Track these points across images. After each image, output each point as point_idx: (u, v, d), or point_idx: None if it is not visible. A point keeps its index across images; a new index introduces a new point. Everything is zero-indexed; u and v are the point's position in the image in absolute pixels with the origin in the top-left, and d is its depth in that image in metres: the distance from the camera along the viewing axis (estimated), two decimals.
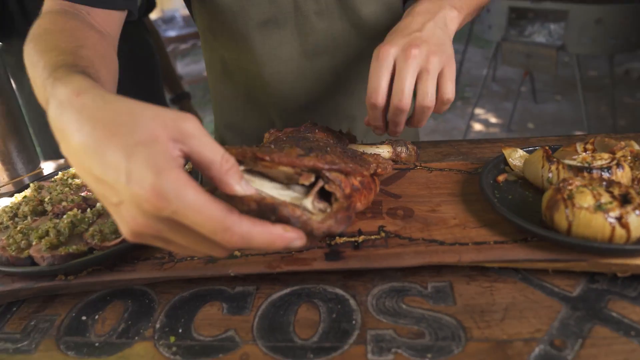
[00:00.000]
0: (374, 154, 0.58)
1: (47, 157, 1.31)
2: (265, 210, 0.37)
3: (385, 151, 0.68)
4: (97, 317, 0.52)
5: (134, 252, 0.56)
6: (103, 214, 0.59)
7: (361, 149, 0.64)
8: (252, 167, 0.45)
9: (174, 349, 0.47)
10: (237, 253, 0.53)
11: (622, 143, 0.56)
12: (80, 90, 0.37)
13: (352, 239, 0.53)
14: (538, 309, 0.46)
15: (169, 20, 6.42)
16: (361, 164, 0.52)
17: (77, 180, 0.67)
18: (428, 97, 0.55)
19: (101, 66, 0.54)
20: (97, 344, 0.48)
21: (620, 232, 0.44)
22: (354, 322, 0.47)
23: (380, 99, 0.56)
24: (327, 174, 0.46)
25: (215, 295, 0.53)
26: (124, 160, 0.32)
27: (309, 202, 0.44)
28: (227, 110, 0.94)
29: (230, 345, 0.46)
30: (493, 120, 3.83)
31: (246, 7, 0.74)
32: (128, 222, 0.35)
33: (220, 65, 0.89)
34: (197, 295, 0.53)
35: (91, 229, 0.55)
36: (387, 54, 0.56)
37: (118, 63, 0.61)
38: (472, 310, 0.47)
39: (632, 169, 0.54)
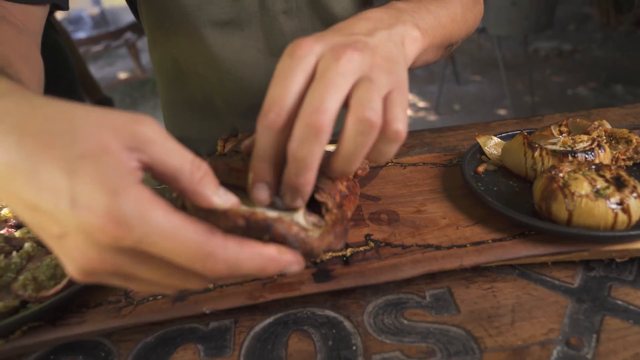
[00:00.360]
0: None
1: None
2: (256, 228, 0.31)
3: None
4: None
5: (80, 298, 0.46)
6: (34, 255, 0.48)
7: None
8: (226, 179, 0.38)
9: None
10: (209, 285, 0.46)
11: (596, 123, 0.55)
12: None
13: (340, 254, 0.47)
14: (544, 306, 0.44)
15: (76, 20, 5.92)
16: None
17: None
18: (370, 105, 0.32)
19: (23, 66, 0.44)
20: None
21: (622, 217, 0.42)
22: (354, 347, 0.42)
23: (283, 115, 0.32)
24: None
25: (186, 336, 0.45)
26: (66, 180, 0.25)
27: (300, 217, 0.38)
28: (181, 120, 0.83)
29: None
30: (421, 104, 3.93)
31: (203, 6, 0.65)
32: (76, 259, 0.27)
33: (173, 69, 0.77)
34: (165, 339, 0.45)
35: (21, 277, 0.44)
36: (307, 50, 0.34)
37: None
38: (478, 316, 0.43)
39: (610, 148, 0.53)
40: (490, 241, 0.46)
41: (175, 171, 0.29)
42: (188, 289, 0.32)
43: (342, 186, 0.44)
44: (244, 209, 0.32)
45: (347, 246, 0.48)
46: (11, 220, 0.55)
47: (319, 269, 0.46)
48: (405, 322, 0.44)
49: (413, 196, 0.55)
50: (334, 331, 0.44)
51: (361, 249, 0.47)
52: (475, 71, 4.44)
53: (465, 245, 0.46)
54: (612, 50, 4.00)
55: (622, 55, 3.84)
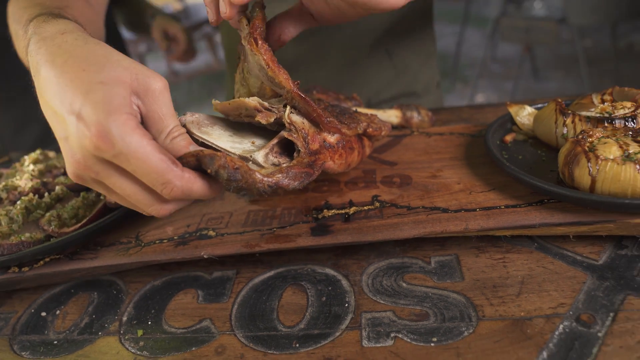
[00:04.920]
0: (371, 114, 0.51)
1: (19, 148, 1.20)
2: (205, 163, 0.34)
3: (392, 117, 0.62)
4: (57, 312, 0.46)
5: (96, 238, 0.50)
6: (63, 198, 0.53)
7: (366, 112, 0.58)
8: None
9: (142, 343, 0.41)
10: (211, 233, 0.47)
11: None
12: (66, 30, 0.37)
13: (342, 211, 0.46)
14: (559, 280, 0.40)
15: None
16: (348, 122, 0.45)
17: (39, 166, 0.60)
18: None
19: (88, 29, 0.50)
20: (55, 342, 0.42)
21: None
22: (346, 304, 0.41)
23: None
24: (290, 120, 0.40)
25: (190, 282, 0.47)
26: (81, 96, 0.32)
27: (260, 155, 0.39)
28: None
29: (205, 337, 0.40)
30: (494, 100, 3.73)
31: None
32: (69, 160, 0.34)
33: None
34: (170, 284, 0.47)
35: (47, 214, 0.48)
36: None
37: None
38: (483, 285, 0.40)
39: None
40: (502, 207, 0.43)
41: (156, 132, 0.35)
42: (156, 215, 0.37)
43: (329, 138, 0.44)
44: (196, 149, 0.35)
45: (351, 204, 0.47)
46: (54, 170, 0.60)
47: (318, 224, 0.45)
48: (404, 284, 0.42)
49: (431, 162, 0.52)
50: (329, 288, 0.43)
51: (365, 208, 0.46)
52: (557, 67, 4.14)
53: (474, 210, 0.43)
54: None
55: None
